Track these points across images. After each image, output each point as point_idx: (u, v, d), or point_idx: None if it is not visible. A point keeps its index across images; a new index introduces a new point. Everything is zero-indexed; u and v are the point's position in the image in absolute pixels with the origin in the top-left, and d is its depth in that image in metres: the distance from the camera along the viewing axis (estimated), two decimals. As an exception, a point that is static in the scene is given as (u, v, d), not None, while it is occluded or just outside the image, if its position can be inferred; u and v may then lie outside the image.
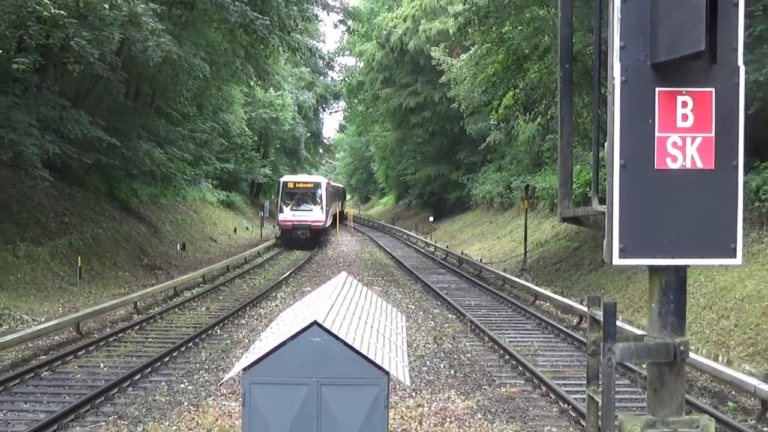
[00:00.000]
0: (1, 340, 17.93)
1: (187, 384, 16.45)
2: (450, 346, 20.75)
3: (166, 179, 44.59)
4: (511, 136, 51.90)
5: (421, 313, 26.03)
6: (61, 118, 28.88)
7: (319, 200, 55.51)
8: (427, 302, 29.16)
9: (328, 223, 61.28)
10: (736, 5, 4.88)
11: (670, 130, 4.89)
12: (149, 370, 17.56)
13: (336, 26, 48.62)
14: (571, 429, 13.77)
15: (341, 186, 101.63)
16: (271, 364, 8.04)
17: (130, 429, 13.32)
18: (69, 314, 22.09)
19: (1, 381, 15.96)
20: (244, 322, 23.95)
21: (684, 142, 4.89)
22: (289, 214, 53.81)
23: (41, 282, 26.67)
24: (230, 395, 15.11)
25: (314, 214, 54.79)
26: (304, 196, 55.65)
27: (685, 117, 4.88)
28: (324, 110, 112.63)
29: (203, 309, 26.73)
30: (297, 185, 56.69)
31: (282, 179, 59.53)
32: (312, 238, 54.42)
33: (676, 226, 4.92)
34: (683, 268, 5.16)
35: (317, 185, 57.34)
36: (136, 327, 22.79)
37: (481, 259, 41.13)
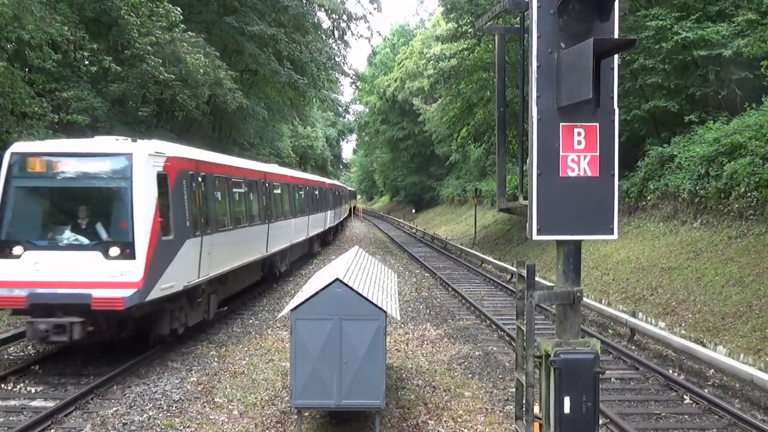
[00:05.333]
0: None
1: (254, 320, 16.43)
2: (426, 294, 20.73)
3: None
4: (466, 156, 52.00)
5: (407, 272, 25.99)
6: (170, 147, 28.87)
7: (128, 212, 10.67)
8: (411, 265, 29.12)
9: (182, 285, 11.77)
10: (612, 69, 4.89)
11: (569, 150, 4.88)
12: (229, 312, 17.51)
13: (351, 85, 48.53)
14: (505, 347, 13.77)
15: (348, 188, 72.16)
16: (309, 306, 8.03)
17: (216, 349, 13.32)
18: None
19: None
20: (291, 279, 23.93)
21: (579, 158, 4.88)
22: (20, 267, 10.50)
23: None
24: (282, 327, 15.10)
25: (101, 267, 10.49)
26: (75, 201, 11.14)
27: (579, 142, 4.87)
28: (343, 140, 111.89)
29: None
30: (55, 167, 10.91)
31: (12, 149, 11.09)
32: (97, 336, 11.02)
33: (574, 214, 4.92)
34: (579, 242, 5.15)
35: (118, 158, 10.90)
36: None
37: (446, 237, 41.08)
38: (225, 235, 14.71)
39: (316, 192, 31.27)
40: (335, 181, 51.16)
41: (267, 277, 20.59)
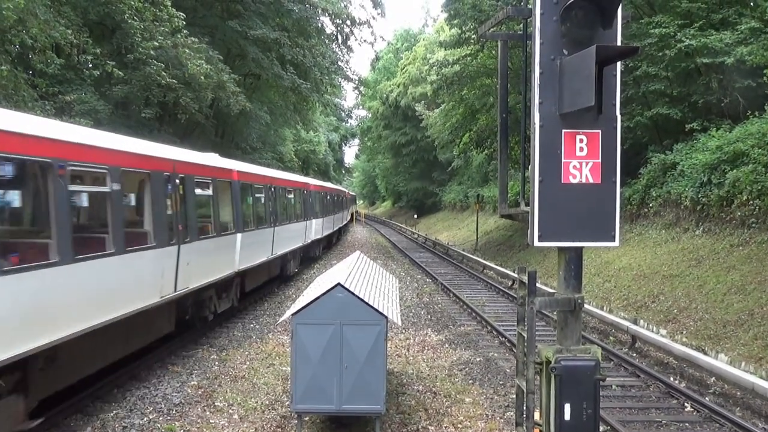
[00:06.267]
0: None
1: (255, 324, 16.43)
2: (428, 299, 20.72)
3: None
4: (468, 162, 52.04)
5: (408, 277, 25.98)
6: (173, 150, 28.87)
7: None
8: (413, 270, 29.10)
9: None
10: (615, 76, 4.90)
11: (571, 157, 4.89)
12: (230, 316, 17.48)
13: (353, 90, 48.14)
14: (506, 353, 13.76)
15: (349, 192, 67.99)
16: (310, 311, 8.04)
17: (217, 352, 13.31)
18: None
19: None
20: (292, 283, 23.92)
21: (581, 165, 4.89)
22: None
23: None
24: (283, 332, 15.10)
25: None
26: None
27: (581, 149, 4.88)
28: (345, 145, 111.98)
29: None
30: None
31: None
32: None
33: (575, 220, 4.92)
34: (580, 248, 5.16)
35: None
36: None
37: (448, 243, 41.03)
38: (33, 279, 7.47)
39: (291, 195, 23.45)
40: (327, 183, 44.47)
41: (191, 321, 13.78)
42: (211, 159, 14.92)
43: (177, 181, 11.90)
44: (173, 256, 11.48)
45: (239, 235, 15.68)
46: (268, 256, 18.95)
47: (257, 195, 18.40)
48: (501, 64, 6.17)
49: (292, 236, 22.95)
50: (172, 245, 11.41)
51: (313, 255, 30.08)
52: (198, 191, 13.13)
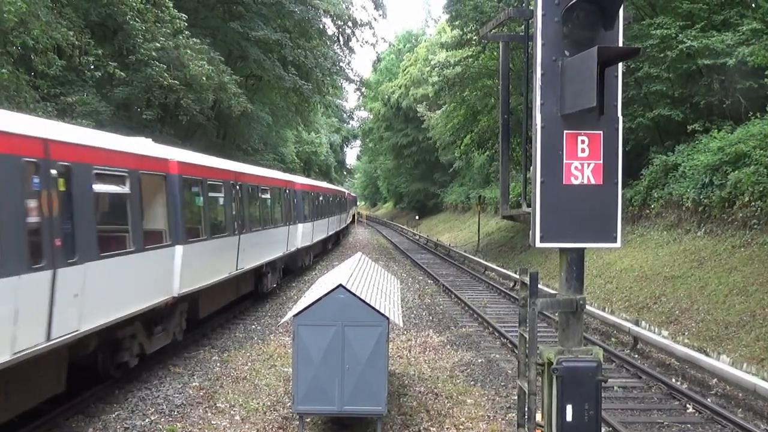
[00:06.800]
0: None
1: (257, 326, 16.44)
2: (429, 301, 20.71)
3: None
4: (470, 164, 52.03)
5: (410, 279, 25.97)
6: (174, 152, 28.84)
7: None
8: (414, 272, 29.09)
9: None
10: (617, 77, 4.91)
11: (573, 158, 4.89)
12: (232, 317, 17.49)
13: (355, 91, 47.88)
14: (508, 354, 13.75)
15: (349, 193, 64.41)
16: (312, 312, 8.05)
17: (219, 354, 13.32)
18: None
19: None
20: (294, 285, 23.91)
21: (582, 166, 4.90)
22: None
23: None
24: (285, 333, 15.10)
25: None
26: None
27: (583, 150, 4.89)
28: (347, 146, 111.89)
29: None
30: None
31: None
32: None
33: (577, 221, 4.93)
34: (582, 249, 5.16)
35: None
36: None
37: (449, 244, 41.02)
38: None
39: (266, 195, 19.24)
40: (322, 183, 40.42)
41: (104, 371, 10.48)
42: (134, 144, 10.88)
43: (53, 172, 7.94)
44: (42, 288, 7.61)
45: (179, 248, 11.64)
46: (231, 272, 15.01)
47: (212, 194, 14.07)
48: (502, 65, 6.18)
49: (268, 245, 18.97)
50: (37, 270, 7.49)
51: (300, 265, 26.03)
52: (100, 188, 9.28)
